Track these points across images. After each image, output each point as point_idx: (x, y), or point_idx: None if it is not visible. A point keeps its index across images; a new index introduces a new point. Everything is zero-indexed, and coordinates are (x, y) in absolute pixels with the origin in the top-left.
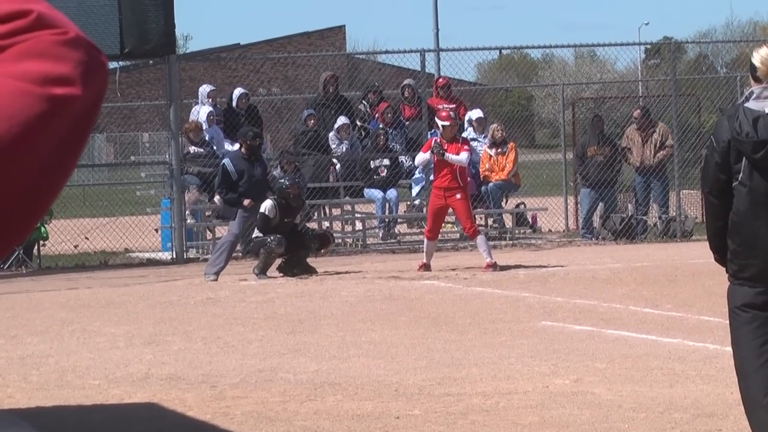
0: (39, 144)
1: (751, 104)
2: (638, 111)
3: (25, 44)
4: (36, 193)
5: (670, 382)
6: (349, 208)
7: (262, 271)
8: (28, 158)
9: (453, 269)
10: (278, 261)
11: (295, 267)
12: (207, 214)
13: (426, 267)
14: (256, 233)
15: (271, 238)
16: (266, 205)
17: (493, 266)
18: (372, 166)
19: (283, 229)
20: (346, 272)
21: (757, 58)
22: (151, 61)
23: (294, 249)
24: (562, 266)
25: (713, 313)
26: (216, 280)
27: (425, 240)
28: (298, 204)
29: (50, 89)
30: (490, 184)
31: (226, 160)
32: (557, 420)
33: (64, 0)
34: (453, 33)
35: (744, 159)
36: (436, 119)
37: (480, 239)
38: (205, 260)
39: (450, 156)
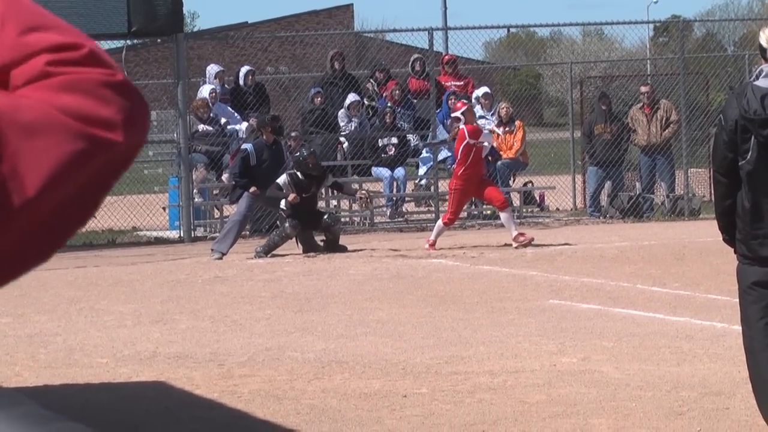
0: (64, 181)
1: (760, 82)
2: (647, 87)
3: (71, 77)
4: (40, 236)
5: (678, 360)
6: (356, 186)
7: (266, 252)
8: (51, 193)
9: (461, 248)
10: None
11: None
12: (215, 192)
13: (433, 245)
14: (283, 205)
15: (289, 222)
16: (281, 179)
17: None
18: (380, 145)
19: (305, 208)
20: (354, 250)
21: (763, 39)
22: (158, 40)
23: (307, 228)
24: (569, 245)
25: (721, 291)
26: (221, 258)
27: (442, 224)
28: (318, 172)
29: (90, 129)
30: (498, 163)
31: (249, 147)
32: (564, 398)
33: None
34: (461, 11)
35: (753, 137)
36: (453, 114)
37: (507, 214)
38: (213, 239)
39: (484, 140)
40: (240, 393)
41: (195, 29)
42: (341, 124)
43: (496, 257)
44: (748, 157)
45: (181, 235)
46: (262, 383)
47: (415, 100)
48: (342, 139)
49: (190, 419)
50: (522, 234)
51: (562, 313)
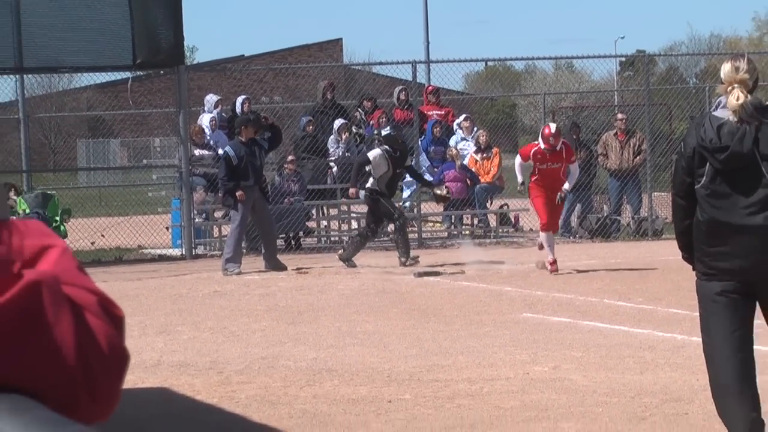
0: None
1: (718, 112)
2: (623, 115)
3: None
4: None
5: (641, 369)
6: (345, 208)
7: (349, 259)
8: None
9: (441, 265)
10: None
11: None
12: (216, 214)
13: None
14: (370, 183)
15: (372, 227)
16: (374, 154)
17: (552, 264)
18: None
19: (394, 181)
20: (342, 266)
21: (724, 72)
22: (161, 72)
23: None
24: (542, 261)
25: (681, 306)
26: (239, 273)
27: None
28: (404, 148)
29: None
30: (477, 187)
31: (227, 149)
32: (537, 404)
33: (81, 14)
34: (442, 45)
35: (708, 164)
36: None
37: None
38: (212, 256)
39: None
40: (237, 398)
41: (194, 62)
42: (330, 149)
43: (474, 274)
44: (703, 181)
45: (183, 252)
46: (258, 389)
47: (400, 126)
48: (332, 163)
49: (191, 423)
50: (552, 263)
51: (534, 325)
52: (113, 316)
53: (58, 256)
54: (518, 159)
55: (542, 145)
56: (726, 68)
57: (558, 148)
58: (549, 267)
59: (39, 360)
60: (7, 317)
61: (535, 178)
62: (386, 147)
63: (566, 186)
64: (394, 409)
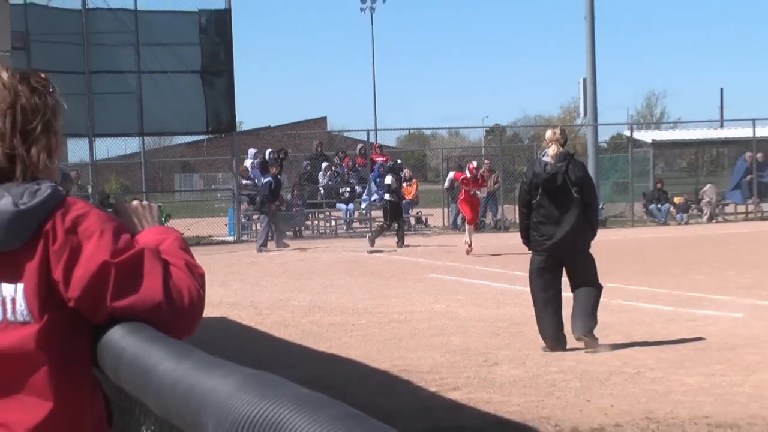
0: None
1: (543, 158)
2: (487, 161)
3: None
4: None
5: (497, 306)
6: (328, 213)
7: (373, 240)
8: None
9: (393, 248)
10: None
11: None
12: (254, 217)
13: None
14: (388, 196)
15: (387, 222)
16: (390, 179)
17: (469, 245)
18: (340, 191)
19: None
20: (326, 247)
21: (546, 136)
22: (223, 135)
23: (397, 218)
24: (441, 245)
25: (520, 270)
26: (262, 251)
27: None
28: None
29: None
30: (403, 201)
31: (269, 178)
32: (437, 326)
33: (177, 101)
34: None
35: (539, 188)
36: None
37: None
38: (251, 241)
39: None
40: (265, 323)
41: (241, 128)
42: (320, 180)
43: (404, 251)
44: (537, 198)
45: (234, 239)
46: (278, 318)
47: (359, 168)
48: (320, 188)
49: (240, 336)
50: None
51: (436, 281)
52: (196, 273)
53: (170, 241)
54: (450, 176)
55: (468, 175)
56: (548, 133)
57: (477, 176)
58: (467, 247)
59: (142, 293)
60: (126, 267)
61: (462, 195)
62: (395, 175)
63: (481, 195)
64: (355, 329)
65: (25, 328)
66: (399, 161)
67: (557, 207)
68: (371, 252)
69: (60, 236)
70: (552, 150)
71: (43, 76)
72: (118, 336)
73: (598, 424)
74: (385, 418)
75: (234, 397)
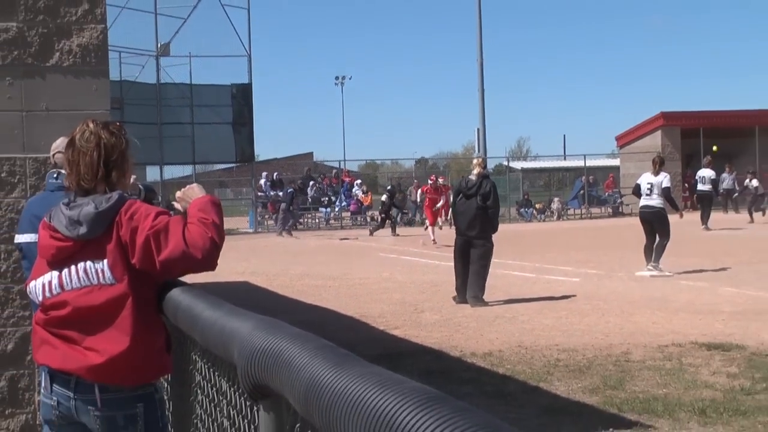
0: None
1: (470, 176)
2: (443, 178)
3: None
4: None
5: (423, 274)
6: (314, 214)
7: (373, 232)
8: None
9: (355, 237)
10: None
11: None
12: (266, 216)
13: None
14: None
15: (381, 220)
16: (384, 197)
17: (434, 242)
18: (322, 200)
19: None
20: (312, 236)
21: (473, 162)
22: (245, 163)
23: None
24: (387, 235)
25: (443, 251)
26: (281, 234)
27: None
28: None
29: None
30: (363, 206)
31: (292, 191)
32: (383, 287)
33: (213, 139)
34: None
35: (461, 194)
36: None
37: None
38: (264, 232)
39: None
40: (273, 285)
41: (258, 159)
42: (308, 193)
43: (369, 240)
44: (458, 200)
45: (253, 230)
46: (283, 281)
47: (335, 186)
48: (309, 198)
49: (255, 293)
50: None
51: (384, 258)
52: (209, 225)
53: (204, 201)
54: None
55: (429, 184)
56: (474, 161)
57: (437, 186)
58: (433, 242)
59: (171, 247)
60: (157, 233)
61: (426, 203)
62: (390, 191)
63: (440, 204)
64: (331, 289)
65: (113, 288)
66: (359, 181)
67: (468, 208)
68: (342, 239)
69: (124, 224)
70: (476, 171)
71: (117, 124)
72: (176, 293)
73: (488, 350)
74: (350, 346)
75: (251, 334)
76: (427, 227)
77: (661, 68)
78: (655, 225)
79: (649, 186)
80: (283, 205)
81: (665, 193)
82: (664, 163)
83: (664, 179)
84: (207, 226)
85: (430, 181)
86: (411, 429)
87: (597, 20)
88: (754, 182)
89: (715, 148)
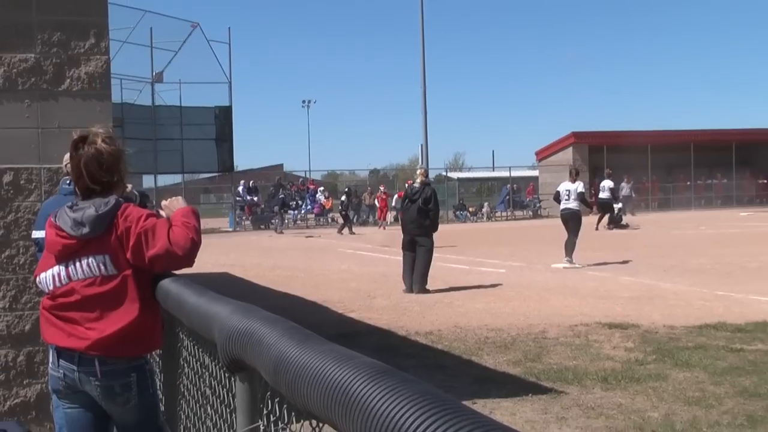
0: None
1: (414, 183)
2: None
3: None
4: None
5: (375, 266)
6: (284, 216)
7: (341, 229)
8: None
9: (319, 235)
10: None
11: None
12: (243, 217)
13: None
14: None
15: (343, 218)
16: (343, 196)
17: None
18: (290, 204)
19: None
20: (282, 234)
21: (417, 172)
22: (226, 173)
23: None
24: (346, 234)
25: (389, 245)
26: (280, 232)
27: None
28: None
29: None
30: (324, 209)
31: (283, 196)
32: (342, 278)
33: (200, 153)
34: (315, 162)
35: (407, 199)
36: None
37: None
38: (243, 231)
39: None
40: (248, 275)
41: (237, 169)
42: (281, 196)
43: (330, 238)
44: (404, 204)
45: (232, 229)
46: (255, 273)
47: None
48: (292, 203)
49: (233, 282)
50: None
51: (343, 253)
52: (190, 228)
53: (186, 210)
54: (396, 196)
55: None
56: (418, 171)
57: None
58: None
59: (158, 245)
60: (146, 233)
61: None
62: (348, 189)
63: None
64: (298, 279)
65: (114, 278)
66: (322, 188)
67: (411, 211)
68: (308, 237)
69: (121, 224)
70: (419, 180)
71: (112, 134)
72: (167, 283)
73: (429, 330)
74: (313, 327)
75: (229, 317)
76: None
77: (573, 94)
78: (571, 224)
79: (567, 192)
80: (276, 209)
81: (581, 197)
82: (579, 174)
83: (579, 186)
84: (189, 228)
85: (408, 185)
86: (363, 397)
87: (521, 54)
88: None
89: (608, 171)
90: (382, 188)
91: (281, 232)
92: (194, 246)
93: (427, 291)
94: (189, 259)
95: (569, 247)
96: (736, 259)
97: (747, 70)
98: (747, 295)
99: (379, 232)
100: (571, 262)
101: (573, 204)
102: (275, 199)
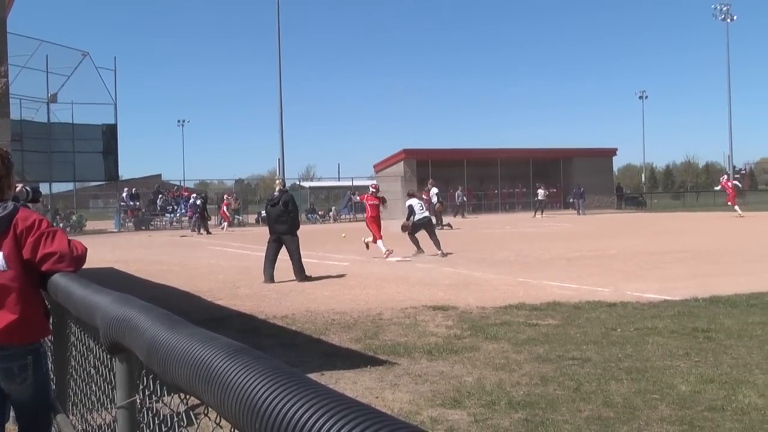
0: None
1: (275, 192)
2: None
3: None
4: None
5: (239, 260)
6: (162, 218)
7: (204, 230)
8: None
9: (191, 235)
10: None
11: None
12: (127, 221)
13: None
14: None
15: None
16: (199, 200)
17: (387, 252)
18: (167, 208)
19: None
20: (160, 234)
21: (276, 183)
22: (112, 181)
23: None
24: (219, 233)
25: (254, 244)
26: (200, 233)
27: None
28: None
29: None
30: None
31: (202, 201)
32: (212, 271)
33: (90, 164)
34: (190, 171)
35: (268, 204)
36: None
37: (380, 242)
38: (125, 232)
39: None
40: (131, 269)
41: (122, 178)
42: (158, 203)
43: (201, 237)
44: (266, 208)
45: (117, 230)
46: (137, 267)
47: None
48: (158, 206)
49: (117, 276)
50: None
51: (211, 249)
52: (82, 246)
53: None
54: (356, 198)
55: (372, 190)
56: (276, 181)
57: (377, 194)
58: (385, 254)
59: (56, 246)
60: (47, 233)
61: (371, 213)
62: (204, 195)
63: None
64: (174, 272)
65: (5, 273)
66: (195, 194)
67: (273, 214)
68: (182, 236)
69: (20, 225)
70: (278, 188)
71: (4, 150)
72: (57, 277)
73: (284, 314)
74: (185, 314)
75: (109, 306)
76: (371, 242)
77: (404, 117)
78: (426, 228)
79: (420, 205)
80: (197, 210)
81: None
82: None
83: (434, 196)
84: (82, 246)
85: (372, 188)
86: (222, 372)
87: (362, 82)
88: (541, 191)
89: (432, 181)
90: (226, 196)
91: (202, 233)
92: (85, 254)
93: (309, 278)
94: (80, 261)
95: (437, 243)
96: (533, 252)
97: (536, 99)
98: (541, 281)
99: (224, 232)
100: (444, 254)
101: (426, 213)
102: (192, 204)
